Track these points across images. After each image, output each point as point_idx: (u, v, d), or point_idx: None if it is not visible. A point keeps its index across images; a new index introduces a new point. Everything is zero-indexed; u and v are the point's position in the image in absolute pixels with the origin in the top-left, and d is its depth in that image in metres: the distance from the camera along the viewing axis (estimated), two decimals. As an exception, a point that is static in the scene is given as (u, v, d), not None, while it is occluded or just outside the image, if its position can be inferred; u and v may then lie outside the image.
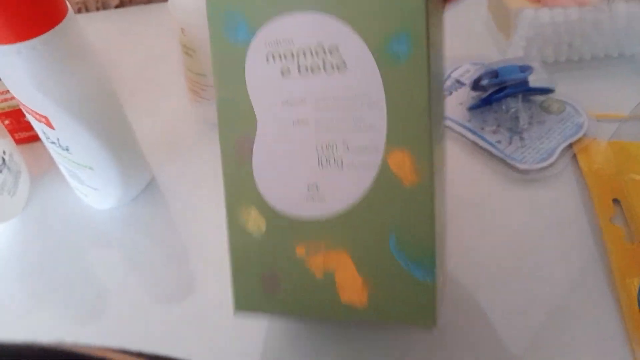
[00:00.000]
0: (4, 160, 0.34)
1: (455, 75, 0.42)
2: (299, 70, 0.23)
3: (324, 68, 0.22)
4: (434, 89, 0.22)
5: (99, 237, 0.35)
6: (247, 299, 0.26)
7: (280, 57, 0.23)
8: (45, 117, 0.29)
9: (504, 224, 0.34)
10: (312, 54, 0.22)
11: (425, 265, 0.23)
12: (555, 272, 0.31)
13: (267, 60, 0.23)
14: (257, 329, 0.30)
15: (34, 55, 0.26)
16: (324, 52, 0.22)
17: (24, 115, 0.39)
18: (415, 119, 0.22)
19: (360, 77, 0.22)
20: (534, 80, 0.38)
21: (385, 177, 0.23)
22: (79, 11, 0.56)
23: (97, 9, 0.56)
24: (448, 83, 0.42)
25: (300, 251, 0.25)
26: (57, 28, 0.27)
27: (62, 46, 0.27)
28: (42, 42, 0.26)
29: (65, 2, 0.28)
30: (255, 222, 0.25)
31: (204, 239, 0.34)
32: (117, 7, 0.56)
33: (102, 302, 0.32)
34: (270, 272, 0.25)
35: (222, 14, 0.23)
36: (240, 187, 0.25)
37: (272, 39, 0.23)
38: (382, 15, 0.21)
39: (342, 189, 0.24)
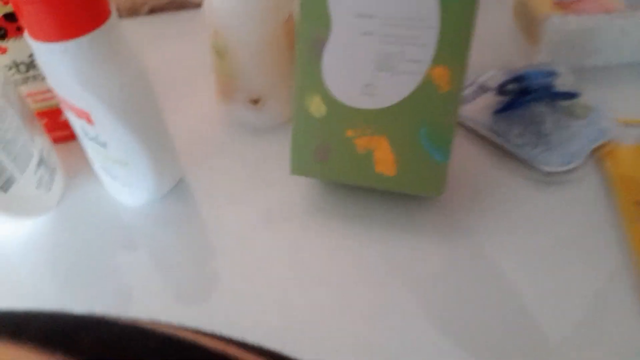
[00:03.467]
0: (41, 156, 0.35)
1: (481, 80, 0.43)
2: None
3: None
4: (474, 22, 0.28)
5: (127, 234, 0.36)
6: (301, 164, 0.33)
7: None
8: (86, 113, 0.30)
9: (529, 225, 0.34)
10: None
11: (443, 150, 0.31)
12: (580, 273, 0.31)
13: None
14: (282, 329, 0.30)
15: (79, 53, 0.27)
16: None
17: (60, 115, 0.40)
18: (459, 43, 0.28)
19: (423, 5, 0.28)
20: (559, 85, 0.38)
21: (426, 84, 0.29)
22: (111, 18, 0.58)
23: (129, 15, 0.58)
24: (474, 88, 0.42)
25: (350, 133, 0.31)
26: (101, 28, 0.28)
27: (105, 45, 0.28)
28: (87, 41, 0.27)
29: (109, 4, 0.29)
30: (317, 107, 0.31)
31: (230, 238, 0.35)
32: (148, 14, 0.58)
33: (127, 299, 0.32)
34: (323, 145, 0.32)
35: None
36: (309, 78, 0.31)
37: None
38: None
39: (392, 89, 0.30)
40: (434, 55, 0.28)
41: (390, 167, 0.32)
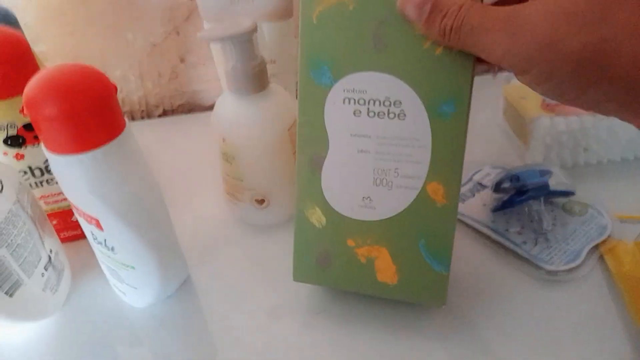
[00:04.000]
0: (50, 258, 0.36)
1: (476, 178, 0.44)
2: (368, 114, 0.30)
3: (388, 115, 0.29)
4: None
5: (132, 335, 0.36)
6: (303, 272, 0.34)
7: (354, 101, 0.30)
8: (96, 220, 0.31)
9: (533, 326, 0.33)
10: (380, 104, 0.29)
11: (443, 261, 0.31)
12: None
13: (344, 102, 0.30)
14: None
15: (94, 164, 0.29)
16: (390, 104, 0.29)
17: (71, 216, 0.42)
18: (451, 161, 0.29)
19: (415, 125, 0.29)
20: (554, 184, 0.40)
21: (422, 198, 0.30)
22: (125, 120, 0.61)
23: (142, 117, 0.61)
24: (470, 185, 0.44)
25: (351, 242, 0.32)
26: (116, 140, 0.30)
27: (119, 156, 0.30)
28: (102, 153, 0.29)
29: (123, 116, 0.31)
30: (317, 218, 0.32)
31: (232, 337, 0.35)
32: (160, 116, 0.62)
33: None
34: (324, 253, 0.33)
35: (313, 60, 0.30)
36: (309, 191, 0.32)
37: (350, 87, 0.30)
38: (439, 85, 0.28)
39: (389, 202, 0.31)
40: (428, 172, 0.30)
41: (391, 276, 0.32)
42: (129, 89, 0.59)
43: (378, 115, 0.29)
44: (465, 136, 0.29)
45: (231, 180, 0.40)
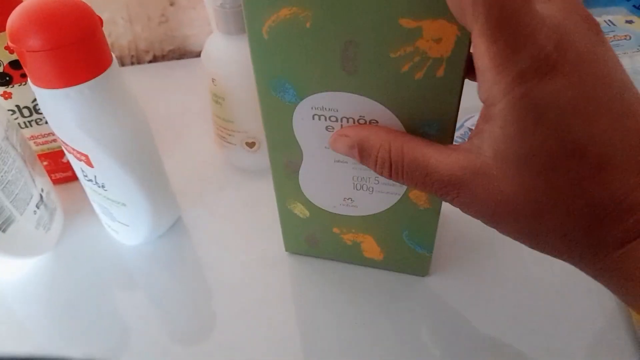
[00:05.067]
0: (41, 197, 0.36)
1: (468, 124, 0.44)
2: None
3: None
4: None
5: (125, 273, 0.37)
6: (293, 246, 0.35)
7: (325, 118, 0.26)
8: (86, 156, 0.31)
9: (526, 283, 0.34)
10: (354, 122, 0.25)
11: (426, 247, 0.32)
12: (579, 331, 0.31)
13: (313, 118, 0.26)
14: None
15: (81, 98, 0.29)
16: (365, 122, 0.25)
17: (61, 157, 0.42)
18: None
19: None
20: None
21: (405, 201, 0.29)
22: (115, 65, 0.60)
23: (132, 63, 0.60)
24: (462, 131, 0.44)
25: (336, 230, 0.33)
26: (102, 75, 0.29)
27: (106, 91, 0.30)
28: (89, 87, 0.29)
29: (110, 53, 0.31)
30: (301, 210, 0.32)
31: (226, 278, 0.35)
32: (150, 62, 0.61)
33: (125, 338, 0.32)
34: (312, 236, 0.34)
35: (271, 78, 0.25)
36: (287, 190, 0.31)
37: (319, 105, 0.25)
38: (420, 110, 0.24)
39: (371, 204, 0.30)
40: None
41: (377, 254, 0.34)
42: (118, 32, 0.58)
43: None
44: None
45: (221, 122, 0.40)
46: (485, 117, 0.20)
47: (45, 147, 0.41)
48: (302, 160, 0.29)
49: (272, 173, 0.30)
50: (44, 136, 0.40)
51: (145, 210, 0.35)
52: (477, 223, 0.22)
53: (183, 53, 0.61)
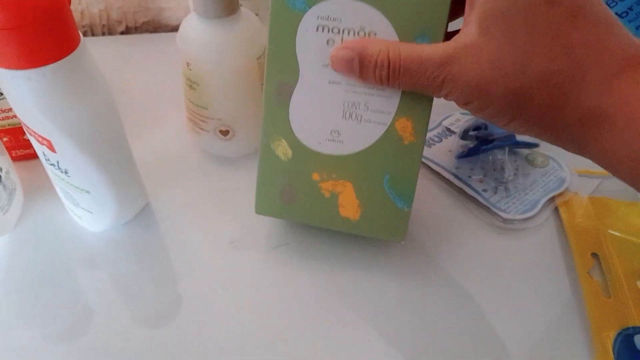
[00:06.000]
0: (0, 177, 0.35)
1: (445, 123, 0.44)
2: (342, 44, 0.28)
3: None
4: None
5: (88, 258, 0.35)
6: (265, 205, 0.34)
7: (328, 30, 0.28)
8: (48, 141, 0.30)
9: (485, 270, 0.35)
10: (354, 34, 0.28)
11: (406, 198, 0.32)
12: (531, 321, 0.32)
13: (317, 30, 0.28)
14: (241, 355, 0.30)
15: (43, 81, 0.27)
16: (364, 35, 0.28)
17: (23, 133, 0.40)
18: (421, 97, 0.28)
19: None
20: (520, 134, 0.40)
21: (390, 134, 0.30)
22: (84, 34, 0.57)
23: (103, 33, 0.57)
24: (438, 130, 0.43)
25: (316, 177, 0.32)
26: (68, 57, 0.27)
27: (71, 74, 0.28)
28: (52, 70, 0.27)
29: (78, 33, 0.29)
30: (283, 150, 0.32)
31: (192, 265, 0.35)
32: (122, 33, 0.58)
33: (86, 322, 0.32)
34: (288, 187, 0.33)
35: None
36: (276, 122, 0.31)
37: (324, 15, 0.28)
38: (414, 18, 0.27)
39: (357, 137, 0.30)
40: (398, 108, 0.29)
41: (354, 212, 0.33)
42: (89, 0, 0.55)
43: None
44: None
45: (194, 108, 0.39)
46: (470, 3, 0.24)
47: (5, 122, 0.39)
48: (296, 83, 0.30)
49: (263, 102, 0.31)
50: (4, 111, 0.38)
51: (110, 197, 0.34)
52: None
53: (157, 26, 0.58)
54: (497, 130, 0.39)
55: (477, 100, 0.24)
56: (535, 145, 0.40)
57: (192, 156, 0.42)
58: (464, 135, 0.41)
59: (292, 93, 0.30)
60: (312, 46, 0.29)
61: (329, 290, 0.33)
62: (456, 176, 0.39)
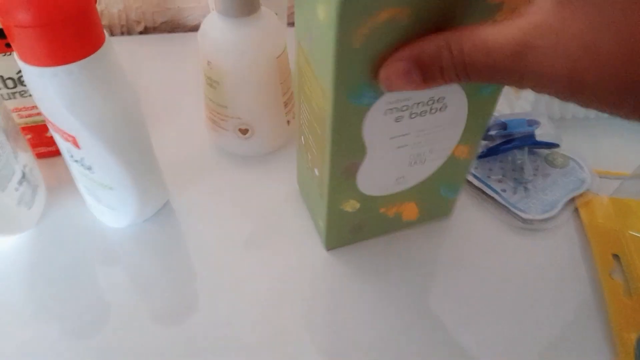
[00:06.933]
0: (24, 173, 0.35)
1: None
2: (410, 116, 0.27)
3: (430, 111, 0.27)
4: None
5: (108, 254, 0.36)
6: (335, 242, 0.35)
7: (397, 110, 0.27)
8: (73, 137, 0.30)
9: (504, 270, 0.35)
10: (424, 104, 0.27)
11: (454, 191, 0.35)
12: (552, 322, 0.32)
13: (385, 114, 0.27)
14: (260, 351, 0.30)
15: (69, 79, 0.27)
16: (433, 102, 0.27)
17: (45, 131, 0.40)
18: (477, 130, 0.30)
19: (455, 112, 0.28)
20: (540, 135, 0.40)
21: (449, 160, 0.32)
22: (104, 34, 0.58)
23: (122, 33, 0.58)
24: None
25: (382, 210, 0.34)
26: (94, 55, 0.28)
27: (97, 72, 0.28)
28: (78, 67, 0.27)
29: (103, 31, 0.29)
30: (352, 205, 0.32)
31: (211, 263, 0.35)
32: (141, 33, 0.59)
33: (104, 318, 0.32)
34: (357, 224, 0.34)
35: (351, 87, 0.25)
36: (343, 190, 0.31)
37: (393, 99, 0.26)
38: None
39: (421, 173, 0.32)
40: (459, 141, 0.30)
41: (414, 215, 0.36)
42: (108, 0, 0.55)
43: (420, 114, 0.27)
44: (495, 106, 0.29)
45: (214, 106, 0.39)
46: None
47: (29, 120, 0.40)
48: (363, 159, 0.29)
49: (327, 180, 0.30)
50: (28, 109, 0.39)
51: (132, 194, 0.34)
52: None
53: (176, 26, 0.59)
54: (517, 129, 0.39)
55: (574, 97, 0.20)
56: (556, 146, 0.40)
57: (211, 155, 0.43)
58: (484, 135, 0.41)
59: (359, 166, 0.29)
60: (380, 128, 0.27)
61: (352, 289, 0.34)
62: (475, 176, 0.39)
